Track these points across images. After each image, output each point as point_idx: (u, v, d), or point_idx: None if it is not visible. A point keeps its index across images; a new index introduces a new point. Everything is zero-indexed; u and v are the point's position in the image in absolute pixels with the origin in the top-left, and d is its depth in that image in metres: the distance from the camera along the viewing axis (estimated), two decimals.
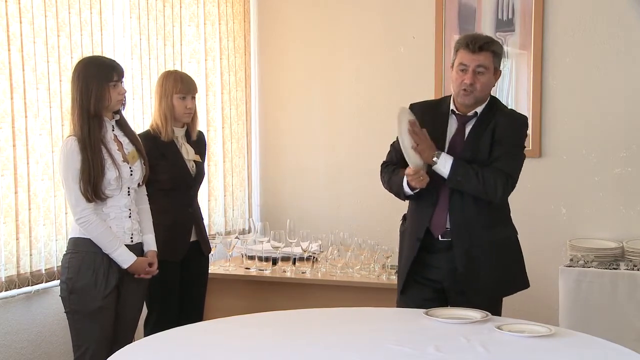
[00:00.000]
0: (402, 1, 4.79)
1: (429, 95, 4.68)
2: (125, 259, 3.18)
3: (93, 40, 3.80)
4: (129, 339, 3.26)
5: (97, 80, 3.12)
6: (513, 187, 3.16)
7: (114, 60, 3.29)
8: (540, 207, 4.38)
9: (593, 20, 4.32)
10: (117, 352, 2.58)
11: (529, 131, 4.45)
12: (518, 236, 3.31)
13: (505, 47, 4.51)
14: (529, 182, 4.39)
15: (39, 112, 3.57)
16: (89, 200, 3.09)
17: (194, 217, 3.74)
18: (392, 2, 4.82)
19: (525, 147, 3.26)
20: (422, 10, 4.70)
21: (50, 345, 3.75)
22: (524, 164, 3.25)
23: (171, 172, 3.60)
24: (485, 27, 4.54)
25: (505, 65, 4.55)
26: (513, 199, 4.28)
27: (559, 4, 4.39)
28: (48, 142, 3.61)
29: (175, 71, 3.84)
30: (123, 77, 3.22)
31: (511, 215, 3.33)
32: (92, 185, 3.07)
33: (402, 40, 4.79)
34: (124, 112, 3.31)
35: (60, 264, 3.51)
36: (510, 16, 4.50)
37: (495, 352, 2.51)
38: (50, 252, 3.64)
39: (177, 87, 3.62)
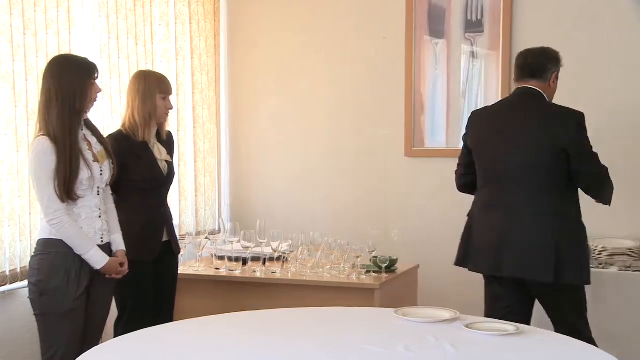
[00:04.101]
0: (373, 2, 4.81)
1: (400, 95, 4.71)
2: (98, 259, 3.16)
3: (60, 39, 3.76)
4: (97, 340, 3.24)
5: (79, 77, 3.10)
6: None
7: (87, 58, 3.26)
8: None
9: (560, 21, 4.37)
10: (86, 352, 2.56)
11: None
12: None
13: (474, 48, 4.56)
14: None
15: (3, 111, 3.52)
16: (62, 200, 3.06)
17: (166, 217, 3.72)
18: (363, 3, 4.84)
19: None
20: (393, 11, 4.72)
21: (17, 346, 3.71)
22: None
23: (145, 172, 3.59)
24: (455, 28, 4.58)
25: (475, 66, 4.60)
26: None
27: (527, 6, 4.43)
28: (13, 142, 3.56)
29: (153, 71, 3.79)
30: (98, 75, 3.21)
31: None
32: (66, 186, 3.04)
33: (373, 41, 4.81)
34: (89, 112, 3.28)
35: (24, 265, 3.48)
36: (479, 17, 4.54)
37: (463, 350, 2.53)
38: (15, 253, 3.59)
39: (160, 87, 3.61)
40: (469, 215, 3.57)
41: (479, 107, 4.56)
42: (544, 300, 3.41)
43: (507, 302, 3.39)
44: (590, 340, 3.15)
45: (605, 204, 3.38)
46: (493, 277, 3.42)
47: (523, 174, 3.31)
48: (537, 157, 3.29)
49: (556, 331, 3.28)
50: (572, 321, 3.31)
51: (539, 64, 3.39)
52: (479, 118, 3.56)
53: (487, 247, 3.36)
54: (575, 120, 3.30)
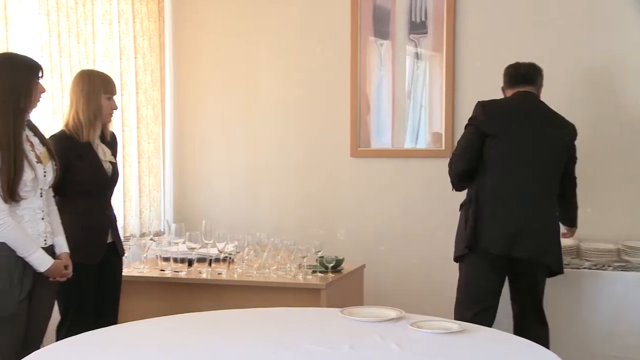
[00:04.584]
0: (318, 2, 4.83)
1: (345, 95, 4.73)
2: (43, 262, 3.10)
3: None
4: (39, 344, 3.18)
5: (24, 77, 3.04)
6: (452, 162, 3.73)
7: (31, 57, 3.20)
8: (452, 205, 4.48)
9: (502, 24, 4.45)
10: (27, 357, 2.51)
11: (442, 131, 4.57)
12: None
13: (418, 49, 4.61)
14: (442, 179, 4.49)
15: None
16: (5, 202, 2.99)
17: (110, 218, 3.68)
18: (309, 3, 4.85)
19: (468, 125, 3.71)
20: (338, 11, 4.74)
21: None
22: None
23: (89, 173, 3.53)
24: (400, 29, 4.62)
25: (419, 67, 4.64)
26: (435, 196, 4.38)
27: (469, 9, 4.50)
28: None
29: (98, 71, 3.73)
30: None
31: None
32: (9, 187, 2.97)
33: (318, 40, 4.82)
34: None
35: None
36: (423, 19, 4.59)
37: (408, 349, 2.56)
38: None
39: (106, 87, 3.56)
40: (469, 201, 3.67)
41: (423, 107, 4.63)
42: (528, 282, 3.67)
43: (499, 280, 3.66)
44: (544, 315, 3.67)
45: (576, 210, 3.83)
46: (497, 257, 3.59)
47: (547, 169, 3.62)
48: (558, 154, 3.65)
49: (520, 311, 3.70)
50: (540, 301, 3.69)
51: (530, 73, 3.75)
52: (495, 108, 3.71)
53: (504, 229, 3.56)
54: (574, 129, 3.71)
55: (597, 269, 3.92)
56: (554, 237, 3.66)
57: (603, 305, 3.85)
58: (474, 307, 3.62)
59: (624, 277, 3.84)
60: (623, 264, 3.96)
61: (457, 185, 3.78)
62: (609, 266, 3.94)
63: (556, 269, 3.65)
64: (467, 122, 3.74)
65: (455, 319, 3.65)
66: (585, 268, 3.90)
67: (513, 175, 3.60)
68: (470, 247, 3.59)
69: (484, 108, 3.69)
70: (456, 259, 3.76)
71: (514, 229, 3.55)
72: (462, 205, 3.76)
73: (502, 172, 3.61)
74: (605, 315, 3.84)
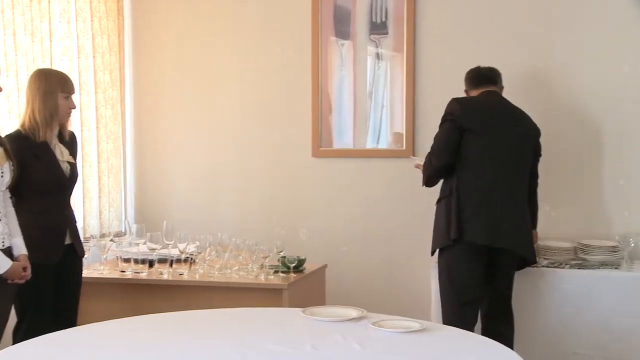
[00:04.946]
0: (279, 2, 4.82)
1: (307, 95, 4.74)
2: (1, 264, 3.07)
3: None
4: None
5: None
6: (431, 157, 3.78)
7: None
8: (413, 205, 4.52)
9: (461, 24, 4.49)
10: None
11: (403, 131, 4.60)
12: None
13: (379, 49, 4.63)
14: (403, 179, 4.52)
15: None
16: None
17: (69, 219, 3.63)
18: (269, 3, 4.84)
19: (445, 120, 3.78)
20: (299, 11, 4.74)
21: None
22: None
23: (45, 173, 3.49)
24: (361, 30, 4.63)
25: (380, 67, 4.67)
26: (397, 196, 4.39)
27: (429, 10, 4.53)
28: None
29: (55, 70, 3.68)
30: None
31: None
32: None
33: (279, 41, 4.81)
34: None
35: None
36: (383, 19, 4.61)
37: (370, 348, 2.57)
38: None
39: (63, 86, 3.52)
40: (449, 195, 3.71)
41: (385, 108, 4.66)
42: (504, 271, 3.77)
43: (480, 269, 3.71)
44: (512, 314, 3.80)
45: (537, 210, 3.93)
46: (481, 247, 3.67)
47: (520, 164, 3.77)
48: (528, 149, 3.81)
49: (489, 309, 3.79)
50: (510, 297, 3.81)
51: (492, 74, 3.90)
52: (471, 104, 3.82)
53: (487, 220, 3.66)
54: (538, 127, 3.86)
55: (555, 267, 3.98)
56: (528, 229, 3.80)
57: (561, 303, 3.91)
58: (461, 297, 3.69)
59: (581, 275, 3.90)
60: (580, 262, 4.02)
61: (434, 180, 3.85)
62: (567, 264, 4.00)
63: (532, 259, 3.81)
64: (442, 118, 3.80)
65: (443, 311, 3.77)
66: (543, 266, 3.96)
67: (492, 168, 3.70)
68: (456, 237, 3.64)
69: (460, 104, 3.77)
70: (434, 252, 3.82)
71: (496, 220, 3.65)
72: (439, 200, 3.81)
73: (481, 165, 3.70)
74: (563, 312, 3.90)
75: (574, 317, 3.88)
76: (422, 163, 3.90)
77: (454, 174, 3.73)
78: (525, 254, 3.77)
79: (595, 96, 4.27)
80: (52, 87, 3.49)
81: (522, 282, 3.86)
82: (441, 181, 3.84)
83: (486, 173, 3.70)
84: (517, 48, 4.37)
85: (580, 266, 3.97)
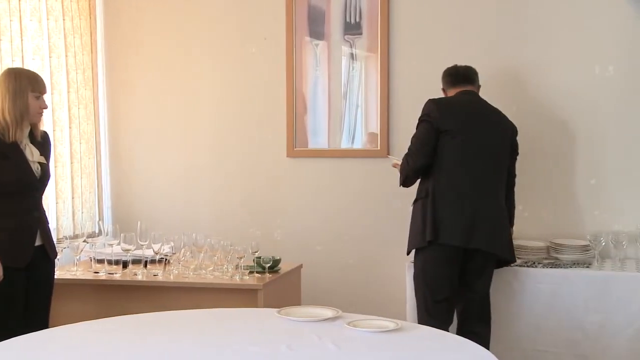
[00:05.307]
0: (253, 2, 4.81)
1: (282, 95, 4.74)
2: None
3: None
4: None
5: None
6: (408, 158, 3.79)
7: None
8: (388, 205, 4.54)
9: (435, 24, 4.51)
10: None
11: (377, 131, 4.62)
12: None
13: (353, 50, 4.64)
14: (378, 179, 4.54)
15: None
16: None
17: (40, 220, 3.60)
18: (244, 3, 4.83)
19: (422, 121, 3.79)
20: (273, 11, 4.74)
21: None
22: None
23: (15, 174, 3.45)
24: (335, 30, 4.64)
25: (355, 67, 4.68)
26: (371, 196, 4.39)
27: (403, 10, 4.54)
28: None
29: (25, 69, 3.63)
30: None
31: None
32: None
33: (254, 41, 4.81)
34: None
35: None
36: (357, 19, 4.62)
37: (345, 348, 2.58)
38: None
39: (33, 85, 3.48)
40: (425, 196, 3.73)
41: (359, 108, 4.67)
42: (480, 271, 3.79)
43: (454, 270, 3.74)
44: (490, 313, 3.84)
45: (514, 209, 3.98)
46: (456, 248, 3.69)
47: (498, 164, 3.81)
48: (506, 148, 3.85)
49: (464, 309, 3.81)
50: (487, 296, 3.85)
51: (469, 73, 3.93)
52: (447, 105, 3.83)
53: (462, 221, 3.68)
54: (515, 126, 3.92)
55: (527, 266, 4.01)
56: (507, 229, 3.84)
57: (533, 301, 3.94)
58: (435, 296, 3.72)
59: (553, 274, 3.94)
60: (552, 261, 4.06)
61: (411, 181, 3.86)
62: (539, 263, 4.03)
63: (510, 258, 3.84)
64: (419, 119, 3.82)
65: (418, 310, 3.80)
66: (516, 265, 3.99)
67: (468, 168, 3.72)
68: (431, 239, 3.66)
69: (437, 105, 3.78)
70: (410, 252, 3.84)
71: (472, 221, 3.67)
72: (415, 201, 3.83)
73: (457, 166, 3.72)
74: (535, 311, 3.93)
75: (547, 315, 3.91)
76: (399, 162, 3.92)
77: (431, 175, 3.75)
78: (501, 254, 3.80)
79: (567, 97, 4.32)
80: (22, 87, 3.45)
81: (495, 281, 3.89)
82: (418, 181, 3.85)
83: (462, 174, 3.72)
84: (491, 48, 4.41)
85: (553, 265, 4.01)
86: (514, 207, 3.98)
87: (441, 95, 3.99)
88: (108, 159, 5.05)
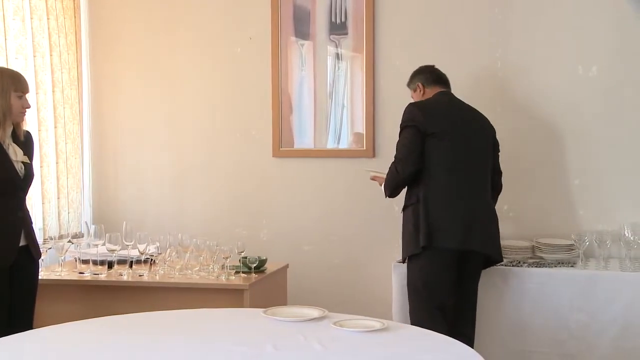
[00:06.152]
0: (238, 2, 4.81)
1: (267, 95, 4.73)
2: None
3: None
4: None
5: None
6: (397, 166, 3.73)
7: None
8: (375, 205, 4.54)
9: (419, 25, 4.52)
10: None
11: (363, 131, 4.62)
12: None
13: (339, 50, 4.65)
14: (364, 179, 4.54)
15: None
16: None
17: (24, 220, 3.57)
18: (229, 2, 4.83)
19: (406, 127, 3.74)
20: (258, 11, 4.74)
21: None
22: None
23: None
24: (320, 30, 4.65)
25: (340, 67, 4.68)
26: (357, 196, 4.37)
27: (388, 10, 4.56)
28: None
29: (7, 68, 3.61)
30: None
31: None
32: None
33: (239, 41, 4.80)
34: None
35: None
36: (343, 20, 4.63)
37: (331, 348, 2.58)
38: None
39: (16, 85, 3.46)
40: (416, 202, 3.69)
41: (345, 108, 4.68)
42: (473, 272, 3.80)
43: (451, 274, 3.70)
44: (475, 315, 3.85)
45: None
46: (451, 252, 3.67)
47: (484, 163, 3.82)
48: (489, 148, 3.87)
49: (460, 299, 3.75)
50: (476, 290, 3.85)
51: (444, 76, 3.95)
52: (430, 108, 3.78)
53: (457, 224, 3.67)
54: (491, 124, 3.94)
55: (512, 265, 4.03)
56: (498, 229, 3.84)
57: (519, 301, 3.95)
58: (432, 302, 3.67)
59: (538, 274, 3.96)
60: (537, 260, 4.08)
61: (400, 190, 3.81)
62: (524, 263, 4.05)
63: (500, 259, 3.85)
64: (402, 125, 3.75)
65: (412, 317, 3.74)
66: (502, 265, 4.01)
67: (459, 171, 3.71)
68: (425, 244, 3.63)
69: (420, 109, 3.74)
70: (405, 259, 3.78)
71: (467, 223, 3.66)
72: (405, 207, 3.78)
73: (447, 169, 3.69)
74: (521, 311, 3.95)
75: (532, 315, 3.93)
76: (378, 174, 3.89)
77: (420, 180, 3.70)
78: (494, 255, 3.81)
79: (551, 98, 4.35)
80: (5, 86, 3.43)
81: (481, 281, 3.89)
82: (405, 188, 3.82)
83: (454, 177, 3.70)
84: (475, 49, 4.43)
85: (538, 264, 4.03)
86: (496, 202, 3.96)
87: (412, 94, 3.98)
88: (92, 159, 5.03)
